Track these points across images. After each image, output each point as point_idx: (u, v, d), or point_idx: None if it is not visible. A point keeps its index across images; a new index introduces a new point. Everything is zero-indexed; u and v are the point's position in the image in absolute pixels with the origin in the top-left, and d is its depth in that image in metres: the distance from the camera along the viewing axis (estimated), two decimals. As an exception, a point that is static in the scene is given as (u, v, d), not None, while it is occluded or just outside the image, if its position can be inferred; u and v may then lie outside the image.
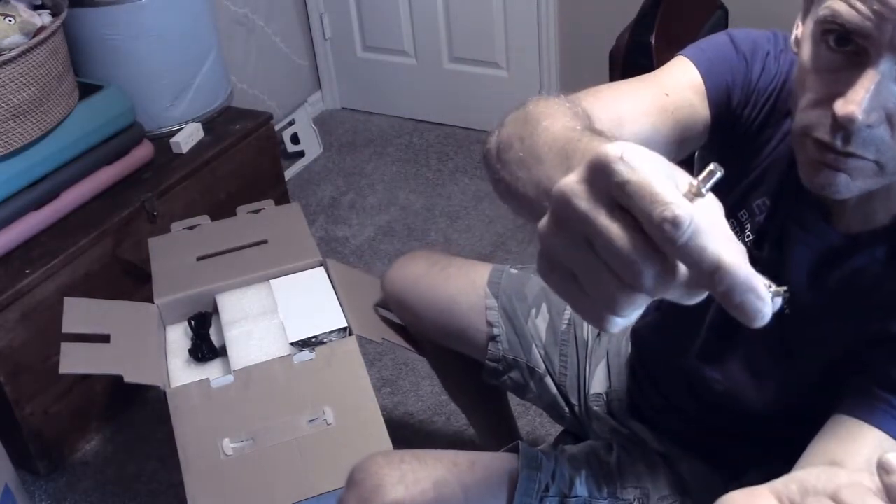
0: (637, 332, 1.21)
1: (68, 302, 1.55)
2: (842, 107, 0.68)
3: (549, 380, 1.33)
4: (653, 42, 2.05)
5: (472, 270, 1.38)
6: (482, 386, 1.42)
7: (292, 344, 1.51)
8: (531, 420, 1.87)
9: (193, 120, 2.27)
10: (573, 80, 2.76)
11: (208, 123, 2.30)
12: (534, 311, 1.33)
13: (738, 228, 0.93)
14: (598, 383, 1.27)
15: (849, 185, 0.74)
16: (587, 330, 1.31)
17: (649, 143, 0.86)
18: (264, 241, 1.73)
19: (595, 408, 1.25)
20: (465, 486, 1.01)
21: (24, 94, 1.79)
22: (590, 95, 0.86)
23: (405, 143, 3.01)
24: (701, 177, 0.45)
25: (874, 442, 0.76)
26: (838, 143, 0.71)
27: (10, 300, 1.75)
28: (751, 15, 2.31)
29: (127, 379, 1.40)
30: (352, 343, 1.49)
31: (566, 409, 1.33)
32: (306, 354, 1.46)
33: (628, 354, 1.23)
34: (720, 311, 0.98)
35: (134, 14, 2.10)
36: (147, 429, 2.00)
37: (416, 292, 1.39)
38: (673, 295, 0.45)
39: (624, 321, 0.46)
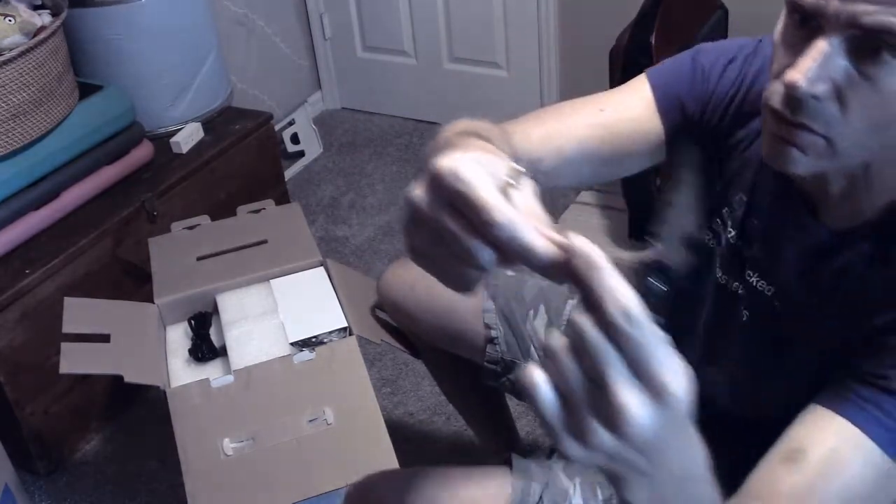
0: None
1: (68, 302, 1.55)
2: (789, 74, 0.71)
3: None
4: (653, 42, 2.05)
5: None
6: (480, 388, 1.42)
7: (292, 344, 1.51)
8: (530, 421, 1.87)
9: (193, 120, 2.27)
10: (573, 80, 2.76)
11: (208, 123, 2.30)
12: (532, 312, 1.33)
13: (722, 225, 0.96)
14: None
15: (801, 160, 0.75)
16: None
17: (576, 154, 0.95)
18: (264, 241, 1.73)
19: None
20: (459, 502, 1.02)
21: (24, 94, 1.79)
22: (535, 114, 0.96)
23: (405, 143, 3.01)
24: (511, 172, 0.58)
25: (839, 431, 0.77)
26: (788, 113, 0.73)
27: (10, 300, 1.75)
28: (751, 15, 2.31)
29: (127, 379, 1.40)
30: (352, 343, 1.49)
31: None
32: (306, 354, 1.46)
33: None
34: (713, 313, 1.00)
35: (134, 14, 2.10)
36: (147, 429, 2.00)
37: (413, 296, 1.39)
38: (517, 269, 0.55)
39: (475, 287, 0.59)
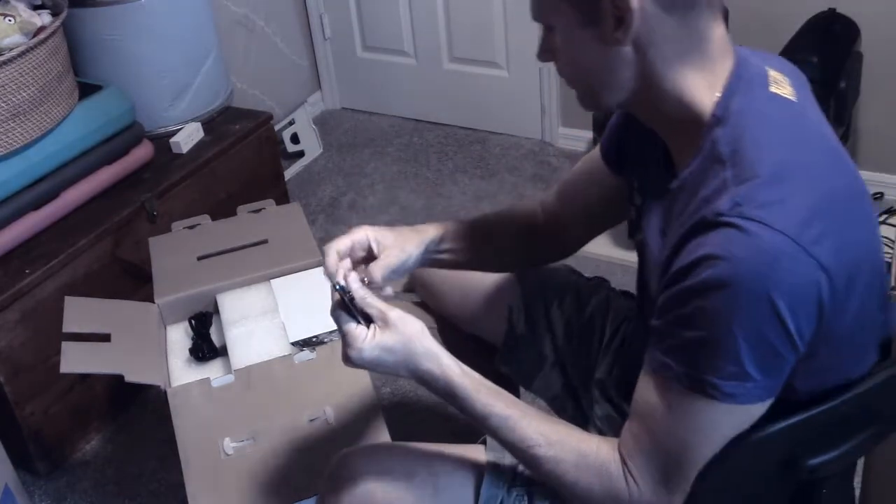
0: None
1: (69, 301, 1.55)
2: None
3: (557, 371, 1.35)
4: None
5: None
6: (497, 376, 1.44)
7: (293, 343, 1.51)
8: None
9: (193, 120, 2.27)
10: (573, 80, 2.75)
11: (208, 123, 2.30)
12: (556, 301, 1.35)
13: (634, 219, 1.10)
14: (602, 370, 1.29)
15: (584, 103, 0.99)
16: (609, 321, 1.33)
17: (584, 196, 1.24)
18: (265, 241, 1.73)
19: (596, 392, 1.27)
20: (434, 475, 1.05)
21: (24, 94, 1.79)
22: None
23: (405, 143, 3.01)
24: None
25: (645, 385, 0.92)
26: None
27: (10, 300, 1.75)
28: (751, 15, 2.31)
29: (128, 378, 1.40)
30: (352, 343, 1.49)
31: (570, 403, 1.34)
32: (307, 354, 1.46)
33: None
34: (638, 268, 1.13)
35: (134, 14, 2.10)
36: (147, 429, 2.00)
37: (443, 275, 1.42)
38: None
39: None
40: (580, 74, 0.95)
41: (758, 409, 0.87)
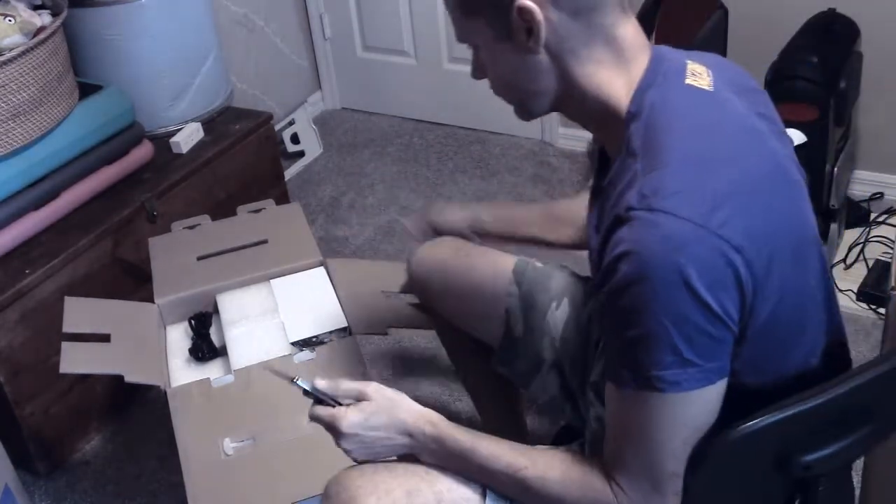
0: None
1: (69, 301, 1.55)
2: None
3: (554, 373, 1.34)
4: (653, 42, 2.04)
5: (498, 259, 1.42)
6: (493, 374, 1.45)
7: (293, 344, 1.51)
8: (532, 420, 1.87)
9: (193, 120, 2.27)
10: (573, 80, 2.75)
11: (208, 123, 2.30)
12: (554, 303, 1.35)
13: None
14: (596, 373, 1.28)
15: (519, 113, 1.04)
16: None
17: None
18: (264, 241, 1.73)
19: (591, 394, 1.27)
20: (437, 493, 1.04)
21: (24, 94, 1.79)
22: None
23: (405, 143, 3.01)
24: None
25: (608, 393, 0.94)
26: None
27: (10, 300, 1.75)
28: (751, 15, 2.31)
29: (127, 378, 1.40)
30: (352, 343, 1.49)
31: (567, 405, 1.34)
32: (307, 354, 1.46)
33: None
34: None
35: (134, 14, 2.10)
36: (147, 429, 2.00)
37: (443, 275, 1.43)
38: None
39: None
40: (508, 86, 1.00)
41: (711, 393, 0.89)
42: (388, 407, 1.04)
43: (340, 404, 1.04)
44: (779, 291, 0.89)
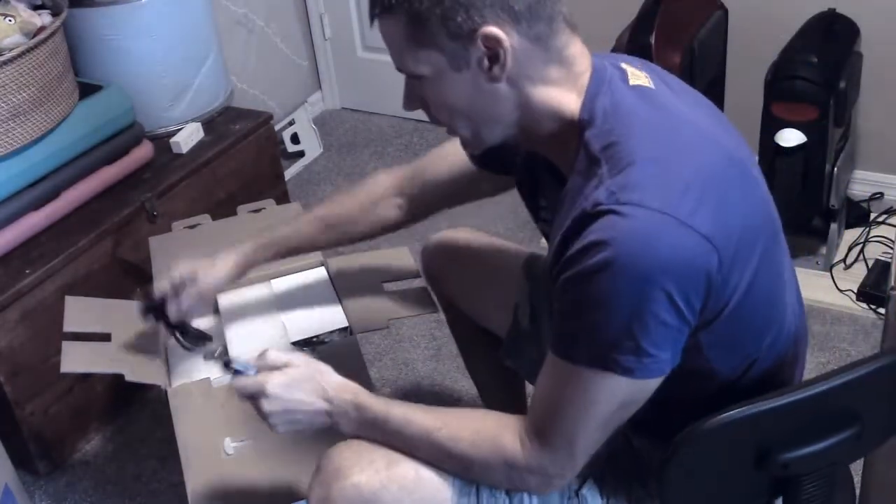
0: None
1: (69, 301, 1.55)
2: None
3: None
4: (653, 42, 2.05)
5: (511, 251, 1.44)
6: (503, 368, 1.47)
7: (293, 343, 1.51)
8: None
9: (193, 120, 2.27)
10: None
11: (208, 123, 2.30)
12: None
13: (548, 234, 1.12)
14: None
15: (465, 146, 1.07)
16: None
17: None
18: (265, 241, 1.73)
19: None
20: (416, 463, 1.06)
21: (24, 94, 1.79)
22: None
23: (405, 143, 3.01)
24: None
25: (549, 364, 0.97)
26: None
27: (10, 300, 1.75)
28: (750, 15, 2.31)
29: (128, 378, 1.40)
30: (352, 343, 1.49)
31: None
32: (307, 354, 1.46)
33: None
34: None
35: (134, 14, 2.10)
36: (147, 429, 2.00)
37: (455, 264, 1.45)
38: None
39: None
40: (460, 116, 0.98)
41: (654, 383, 0.93)
42: (311, 373, 1.09)
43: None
44: (746, 281, 0.91)
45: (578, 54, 0.96)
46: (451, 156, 1.32)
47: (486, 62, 0.92)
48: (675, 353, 0.91)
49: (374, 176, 1.41)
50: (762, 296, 0.95)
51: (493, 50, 0.91)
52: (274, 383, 1.08)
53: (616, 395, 0.92)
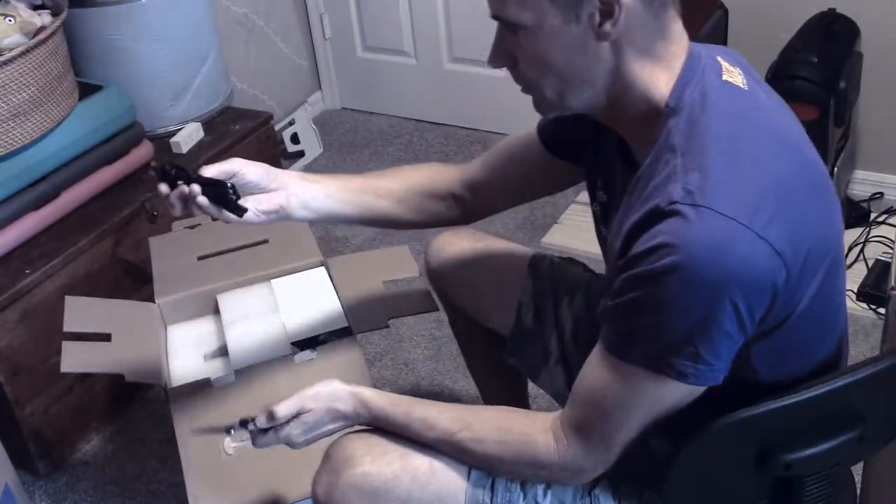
0: None
1: (69, 301, 1.55)
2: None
3: (560, 368, 1.36)
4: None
5: (516, 251, 1.44)
6: (502, 366, 1.46)
7: (293, 343, 1.51)
8: (543, 405, 1.87)
9: (193, 120, 2.27)
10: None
11: (208, 123, 2.30)
12: (567, 297, 1.36)
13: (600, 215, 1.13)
14: None
15: (540, 107, 1.01)
16: None
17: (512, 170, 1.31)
18: (265, 241, 1.73)
19: None
20: (430, 456, 1.06)
21: (24, 94, 1.79)
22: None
23: (405, 143, 3.01)
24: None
25: (597, 360, 0.95)
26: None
27: (10, 300, 1.75)
28: (751, 15, 2.31)
29: (128, 378, 1.40)
30: (352, 343, 1.49)
31: None
32: (307, 354, 1.46)
33: None
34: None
35: (134, 14, 2.10)
36: (147, 429, 2.00)
37: (460, 265, 1.44)
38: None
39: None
40: (553, 74, 0.94)
41: (701, 391, 0.91)
42: (326, 407, 1.10)
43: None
44: (808, 295, 0.90)
45: (679, 34, 0.94)
46: (517, 152, 1.30)
47: (597, 17, 0.88)
48: (728, 361, 0.90)
49: (429, 167, 1.39)
50: (818, 312, 0.94)
51: (610, 5, 0.87)
52: (296, 434, 1.11)
53: (665, 399, 0.92)
